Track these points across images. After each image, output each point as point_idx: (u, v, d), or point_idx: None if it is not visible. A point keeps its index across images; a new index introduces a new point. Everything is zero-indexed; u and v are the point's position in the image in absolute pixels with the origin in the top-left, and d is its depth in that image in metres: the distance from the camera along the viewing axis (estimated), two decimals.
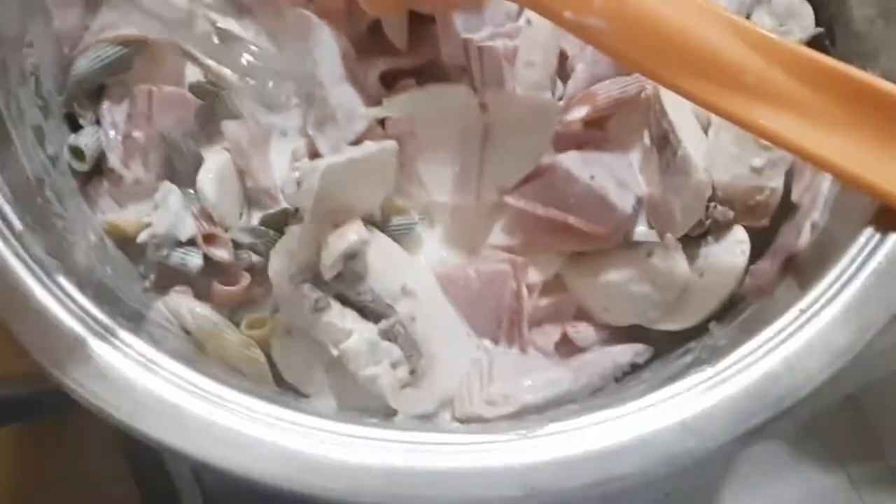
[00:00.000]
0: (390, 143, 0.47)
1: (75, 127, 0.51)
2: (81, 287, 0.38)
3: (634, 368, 0.48)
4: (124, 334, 0.37)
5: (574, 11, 0.42)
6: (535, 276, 0.50)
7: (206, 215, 0.49)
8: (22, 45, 0.47)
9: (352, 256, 0.47)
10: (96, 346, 0.36)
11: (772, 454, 0.74)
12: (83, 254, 0.43)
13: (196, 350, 0.45)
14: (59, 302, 0.36)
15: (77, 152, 0.49)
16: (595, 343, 0.49)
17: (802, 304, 0.38)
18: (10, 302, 0.35)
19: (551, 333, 0.50)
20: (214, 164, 0.50)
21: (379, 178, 0.48)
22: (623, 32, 0.41)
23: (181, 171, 0.50)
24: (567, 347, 0.50)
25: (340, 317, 0.47)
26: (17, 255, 0.37)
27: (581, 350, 0.50)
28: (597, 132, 0.53)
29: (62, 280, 0.37)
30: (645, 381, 0.42)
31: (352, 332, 0.46)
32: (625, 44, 0.42)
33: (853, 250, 0.39)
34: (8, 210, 0.38)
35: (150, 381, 0.36)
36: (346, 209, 0.46)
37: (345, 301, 0.47)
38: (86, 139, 0.49)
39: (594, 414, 0.36)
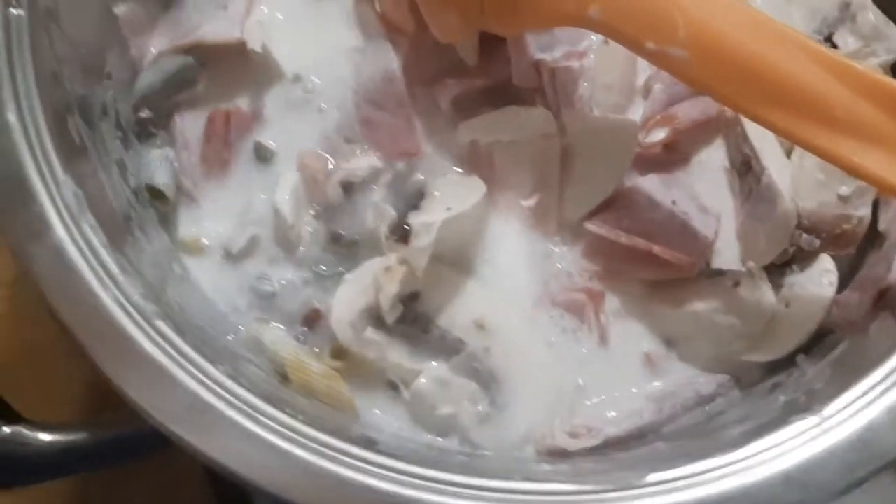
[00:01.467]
0: (483, 189, 0.48)
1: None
2: (179, 332, 0.38)
3: (715, 398, 0.48)
4: (227, 382, 0.37)
5: (656, 42, 0.41)
6: (615, 302, 0.50)
7: (283, 239, 0.49)
8: (102, 78, 0.47)
9: (413, 298, 0.47)
10: (205, 395, 0.36)
11: None
12: (173, 291, 0.43)
13: (281, 384, 0.45)
14: (164, 353, 0.36)
15: (155, 192, 0.49)
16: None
17: None
18: (117, 355, 0.36)
19: None
20: (289, 184, 0.50)
21: (477, 224, 0.49)
22: (707, 63, 0.40)
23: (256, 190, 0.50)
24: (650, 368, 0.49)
25: (409, 356, 0.47)
26: (119, 304, 0.37)
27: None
28: (676, 154, 0.52)
29: (162, 326, 0.37)
30: (738, 422, 0.42)
31: (421, 372, 0.47)
32: (708, 75, 0.41)
33: None
34: (105, 255, 0.38)
35: (256, 429, 0.36)
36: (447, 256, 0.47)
37: (412, 338, 0.48)
38: (161, 175, 0.49)
39: (695, 464, 0.36)
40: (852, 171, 0.40)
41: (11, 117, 0.38)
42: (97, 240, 0.38)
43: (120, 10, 0.49)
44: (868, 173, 0.40)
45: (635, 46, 0.42)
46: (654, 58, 0.42)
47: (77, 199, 0.38)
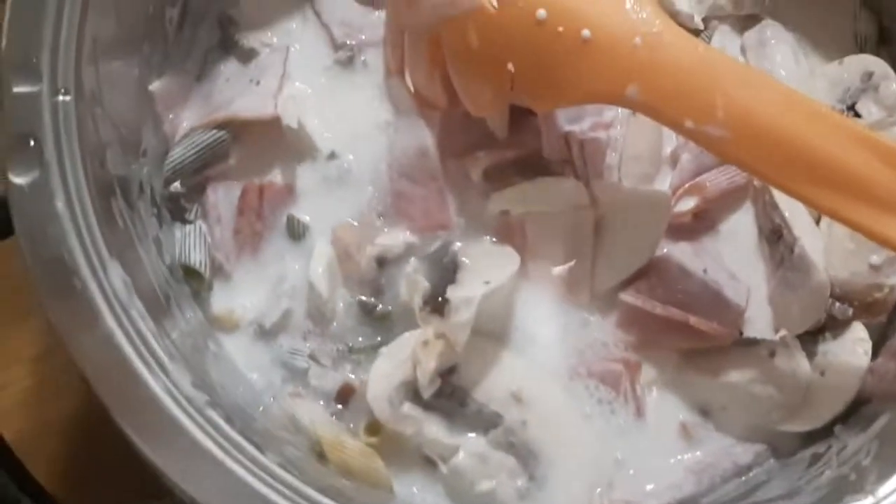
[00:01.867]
0: (517, 260, 0.48)
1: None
2: (229, 420, 0.37)
3: (752, 468, 0.48)
4: (278, 471, 0.37)
5: (695, 121, 0.41)
6: (650, 372, 0.50)
7: (317, 313, 0.49)
8: (139, 156, 0.47)
9: (450, 371, 0.47)
10: (258, 486, 0.36)
11: None
12: (212, 370, 0.43)
13: (318, 462, 0.45)
14: (216, 443, 0.36)
15: (190, 271, 0.48)
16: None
17: None
18: (170, 448, 0.35)
19: None
20: (323, 258, 0.49)
21: (510, 294, 0.48)
22: (746, 142, 0.41)
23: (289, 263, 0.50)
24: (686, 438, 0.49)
25: (446, 432, 0.47)
26: (170, 394, 0.36)
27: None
28: (704, 221, 0.52)
29: (213, 415, 0.37)
30: (785, 498, 0.41)
31: (459, 448, 0.46)
32: (748, 153, 0.41)
33: None
34: (153, 342, 0.38)
35: None
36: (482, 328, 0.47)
37: (449, 412, 0.47)
38: (195, 253, 0.49)
39: None
40: (891, 246, 0.41)
41: (60, 205, 0.38)
42: (145, 326, 0.38)
43: (154, 86, 0.49)
44: None
45: (673, 125, 0.43)
46: (692, 135, 0.42)
47: (125, 285, 0.38)
